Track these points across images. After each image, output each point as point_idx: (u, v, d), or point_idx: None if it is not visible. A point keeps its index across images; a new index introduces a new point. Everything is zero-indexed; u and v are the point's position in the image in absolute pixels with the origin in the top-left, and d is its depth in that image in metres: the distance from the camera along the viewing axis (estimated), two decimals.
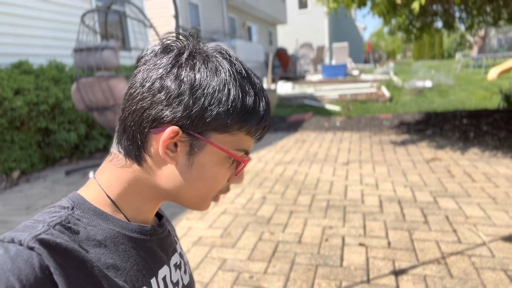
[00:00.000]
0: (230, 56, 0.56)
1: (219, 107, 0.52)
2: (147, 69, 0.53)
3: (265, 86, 10.79)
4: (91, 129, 5.16)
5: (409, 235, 2.47)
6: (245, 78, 0.55)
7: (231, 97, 0.52)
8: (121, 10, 7.06)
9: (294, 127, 6.84)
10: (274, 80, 11.44)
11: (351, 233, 2.56)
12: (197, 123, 0.52)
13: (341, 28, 26.15)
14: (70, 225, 0.48)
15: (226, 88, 0.52)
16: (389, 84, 10.82)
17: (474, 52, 17.81)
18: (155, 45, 0.56)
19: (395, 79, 12.19)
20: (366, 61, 25.10)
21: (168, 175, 0.55)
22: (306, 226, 2.71)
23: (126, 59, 6.26)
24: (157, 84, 0.52)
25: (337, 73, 12.95)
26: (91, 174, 4.07)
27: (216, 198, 0.60)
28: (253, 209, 3.07)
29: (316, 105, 9.11)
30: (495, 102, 7.62)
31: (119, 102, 3.71)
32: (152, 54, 0.55)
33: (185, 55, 0.53)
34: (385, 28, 6.42)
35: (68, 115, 4.73)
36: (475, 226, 2.54)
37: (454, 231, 2.50)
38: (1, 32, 4.86)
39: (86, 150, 5.12)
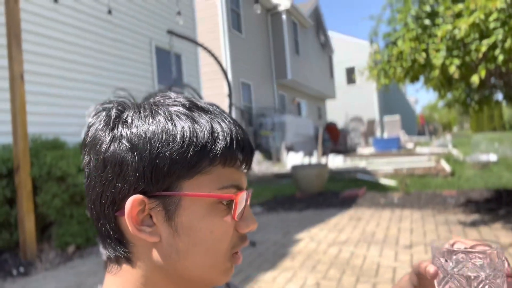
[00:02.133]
0: (173, 93, 0.49)
1: (171, 147, 0.43)
2: (88, 150, 0.48)
3: (315, 159, 10.73)
4: None
5: None
6: (192, 108, 0.47)
7: (179, 131, 0.44)
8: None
9: (347, 203, 6.52)
10: (324, 153, 11.34)
11: None
12: (157, 178, 0.43)
13: (391, 101, 26.15)
14: None
15: (170, 124, 0.44)
16: (449, 158, 10.24)
17: None
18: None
19: (455, 152, 11.56)
20: (420, 133, 24.43)
21: (159, 258, 0.45)
22: None
23: None
24: (100, 161, 0.45)
25: (390, 146, 12.60)
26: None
27: (235, 259, 0.48)
28: None
29: (369, 179, 8.75)
30: None
31: None
32: (88, 134, 0.49)
33: (113, 115, 0.47)
34: (440, 102, 6.24)
35: None
36: None
37: None
38: (72, 114, 5.37)
39: None
